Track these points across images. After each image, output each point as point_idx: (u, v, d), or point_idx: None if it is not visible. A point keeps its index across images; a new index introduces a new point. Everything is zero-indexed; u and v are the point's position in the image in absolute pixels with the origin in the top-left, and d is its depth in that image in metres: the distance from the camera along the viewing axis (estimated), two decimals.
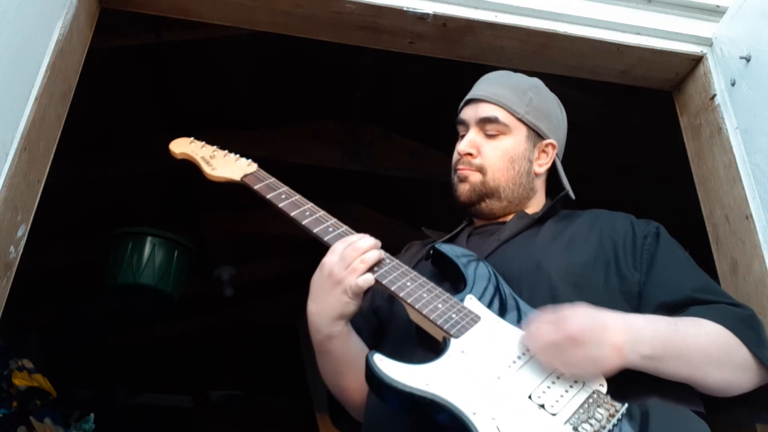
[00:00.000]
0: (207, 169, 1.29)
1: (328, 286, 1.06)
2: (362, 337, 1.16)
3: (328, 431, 4.15)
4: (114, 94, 2.81)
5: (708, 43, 1.60)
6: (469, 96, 1.33)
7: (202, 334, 5.04)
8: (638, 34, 1.58)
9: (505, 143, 1.26)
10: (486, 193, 1.25)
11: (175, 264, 3.36)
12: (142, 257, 3.28)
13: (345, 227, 1.15)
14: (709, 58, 1.59)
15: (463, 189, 1.27)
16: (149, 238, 3.31)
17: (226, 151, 1.33)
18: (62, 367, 3.90)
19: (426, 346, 1.01)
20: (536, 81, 1.36)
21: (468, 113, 1.30)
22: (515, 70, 1.41)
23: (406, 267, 1.09)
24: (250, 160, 1.30)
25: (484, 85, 1.33)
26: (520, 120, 1.27)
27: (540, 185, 1.33)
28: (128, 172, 3.37)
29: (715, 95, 1.53)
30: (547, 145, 1.30)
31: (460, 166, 1.28)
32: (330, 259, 1.07)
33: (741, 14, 1.50)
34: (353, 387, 1.14)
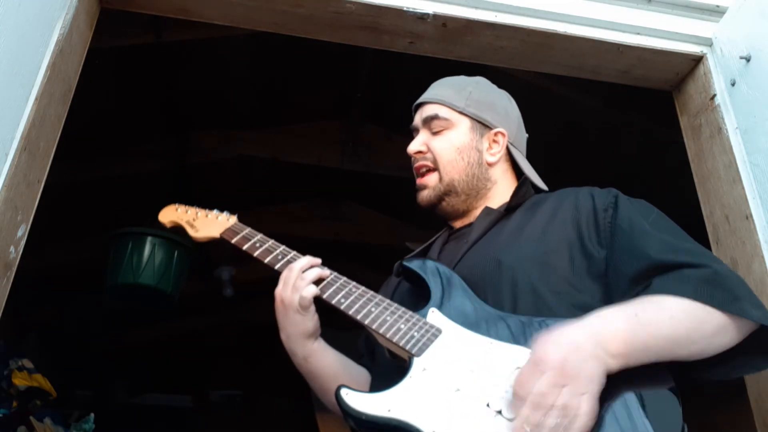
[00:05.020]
0: (191, 232, 1.38)
1: (283, 311, 1.17)
2: (363, 360, 1.29)
3: (328, 431, 4.15)
4: (114, 94, 2.81)
5: (708, 43, 1.60)
6: (415, 103, 1.40)
7: (202, 334, 5.04)
8: (638, 34, 1.58)
9: (449, 136, 1.31)
10: (443, 191, 1.29)
11: (175, 264, 3.36)
12: (142, 257, 3.27)
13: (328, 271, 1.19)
14: (709, 58, 1.59)
15: (422, 196, 1.32)
16: (149, 238, 3.30)
17: (207, 211, 1.40)
18: (62, 367, 3.91)
19: (400, 366, 1.03)
20: (479, 78, 1.40)
21: (416, 118, 1.38)
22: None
23: (372, 293, 1.13)
24: (227, 213, 1.38)
25: (427, 91, 1.39)
26: (461, 113, 1.32)
27: (500, 176, 1.32)
28: (128, 172, 3.37)
29: (715, 95, 1.53)
30: (496, 134, 1.32)
31: (416, 165, 1.33)
32: (278, 289, 1.18)
33: (741, 14, 1.50)
34: None
